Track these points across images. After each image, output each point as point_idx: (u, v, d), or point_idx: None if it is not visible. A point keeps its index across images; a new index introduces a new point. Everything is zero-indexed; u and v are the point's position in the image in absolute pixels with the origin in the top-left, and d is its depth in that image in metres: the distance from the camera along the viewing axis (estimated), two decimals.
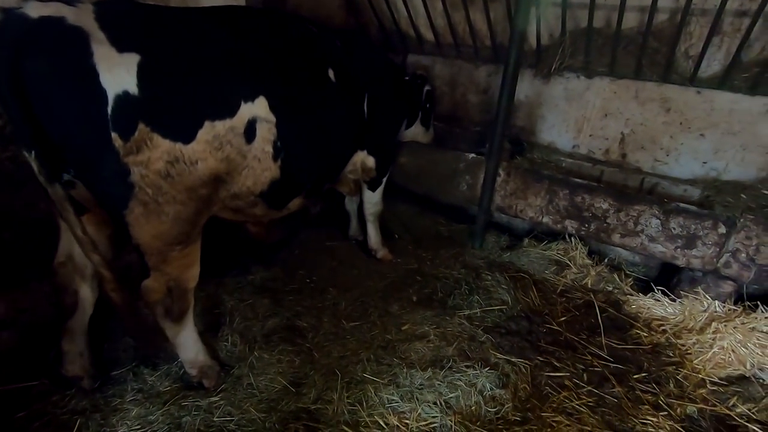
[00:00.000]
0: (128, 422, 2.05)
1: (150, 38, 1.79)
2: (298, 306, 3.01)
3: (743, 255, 2.93)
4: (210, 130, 1.93)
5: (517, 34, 3.16)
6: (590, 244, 3.69)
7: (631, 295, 3.19)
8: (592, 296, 3.08)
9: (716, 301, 2.94)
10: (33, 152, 1.63)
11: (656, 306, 3.06)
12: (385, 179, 3.58)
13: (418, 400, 2.23)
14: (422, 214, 4.53)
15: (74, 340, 2.20)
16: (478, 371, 2.40)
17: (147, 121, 1.74)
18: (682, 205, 3.09)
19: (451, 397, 2.25)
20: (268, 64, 2.24)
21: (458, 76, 4.47)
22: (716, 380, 2.44)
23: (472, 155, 3.98)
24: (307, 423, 2.12)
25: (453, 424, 2.10)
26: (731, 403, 2.27)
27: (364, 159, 3.28)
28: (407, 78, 3.90)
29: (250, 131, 2.11)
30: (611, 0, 3.25)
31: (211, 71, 1.96)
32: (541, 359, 2.58)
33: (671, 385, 2.41)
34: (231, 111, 2.01)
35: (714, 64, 3.25)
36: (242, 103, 2.05)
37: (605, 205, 3.37)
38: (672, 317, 2.95)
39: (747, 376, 2.44)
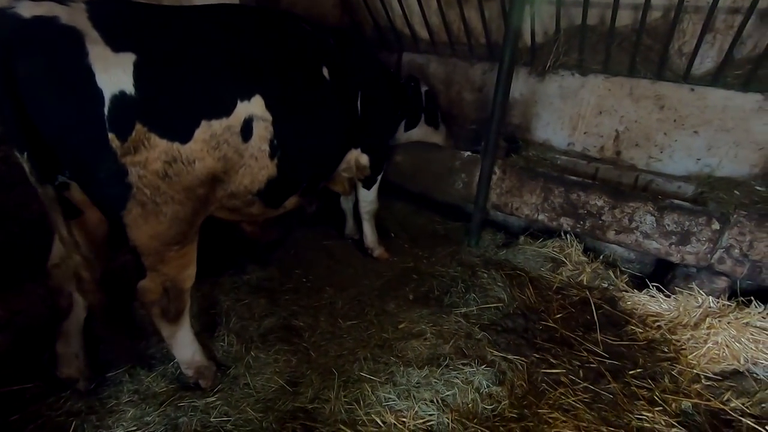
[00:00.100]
0: (124, 423, 2.05)
1: (145, 37, 1.77)
2: (294, 305, 3.01)
3: (737, 251, 2.96)
4: (207, 130, 1.93)
5: (512, 32, 3.16)
6: (585, 241, 3.71)
7: (627, 291, 3.21)
8: (587, 293, 3.09)
9: (710, 297, 2.96)
10: (25, 153, 1.62)
11: (651, 302, 3.08)
12: (379, 177, 3.58)
13: (415, 398, 2.23)
14: (418, 212, 4.53)
15: (69, 342, 2.19)
16: (475, 369, 2.41)
17: (144, 121, 1.73)
18: (676, 201, 3.11)
19: (447, 395, 2.25)
20: (264, 62, 2.23)
21: (453, 75, 4.48)
22: (710, 375, 2.46)
23: (468, 153, 3.99)
24: (305, 422, 2.12)
25: (450, 422, 2.10)
26: (725, 398, 2.28)
27: (357, 157, 3.28)
28: (402, 81, 3.91)
29: (246, 130, 2.10)
30: None
31: (207, 70, 1.95)
32: (538, 356, 2.59)
33: (666, 381, 2.42)
34: (227, 110, 2.01)
35: (707, 61, 3.27)
36: (238, 101, 2.04)
37: (600, 203, 3.38)
38: (667, 313, 2.96)
39: (741, 370, 2.46)
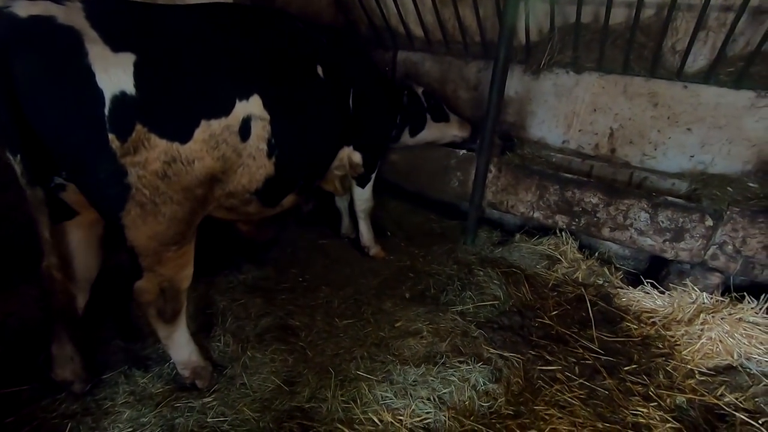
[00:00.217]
0: (120, 425, 2.04)
1: (143, 37, 1.77)
2: (290, 305, 3.00)
3: (730, 247, 2.99)
4: (206, 129, 1.92)
5: (507, 30, 3.17)
6: (581, 238, 3.73)
7: (621, 288, 3.23)
8: (582, 290, 3.11)
9: (704, 293, 2.98)
10: (18, 155, 1.60)
11: (646, 299, 3.10)
12: (373, 175, 3.57)
13: (411, 396, 2.23)
14: (414, 211, 4.53)
15: (64, 343, 2.18)
16: (471, 366, 2.42)
17: (144, 122, 1.72)
18: (670, 198, 3.13)
19: (444, 393, 2.26)
20: (261, 61, 2.23)
21: (448, 73, 4.47)
22: (704, 370, 2.48)
23: (463, 151, 3.99)
24: (301, 421, 2.12)
25: (447, 420, 2.11)
26: (719, 393, 2.30)
27: (350, 155, 3.26)
28: (397, 86, 3.90)
29: (245, 129, 2.10)
30: None
31: (205, 69, 1.94)
32: (534, 353, 2.60)
33: (661, 376, 2.44)
34: (226, 109, 2.01)
35: (700, 58, 3.28)
36: (237, 101, 2.04)
37: (595, 200, 3.40)
38: (661, 309, 2.98)
39: (734, 366, 2.48)
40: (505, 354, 2.56)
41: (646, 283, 3.23)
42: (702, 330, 2.69)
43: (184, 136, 1.85)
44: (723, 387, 2.34)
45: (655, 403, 2.27)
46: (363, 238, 3.80)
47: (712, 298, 2.96)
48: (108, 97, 1.63)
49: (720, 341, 2.61)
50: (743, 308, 2.79)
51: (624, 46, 3.38)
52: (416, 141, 3.99)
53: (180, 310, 2.18)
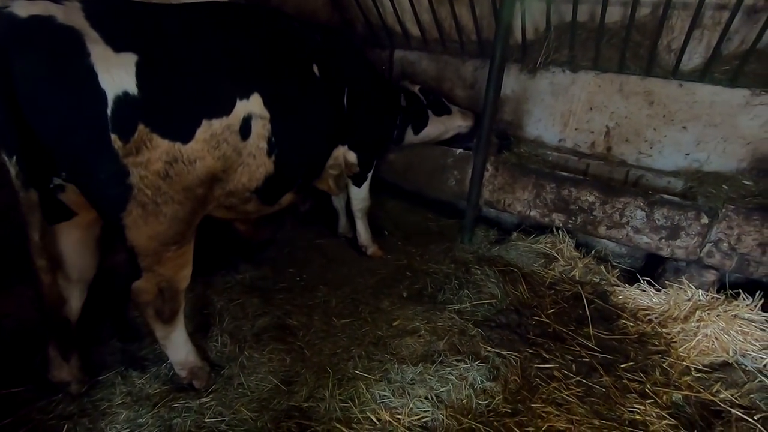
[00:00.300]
0: (117, 426, 2.03)
1: (144, 36, 1.76)
2: (288, 304, 3.00)
3: (725, 244, 3.00)
4: (208, 129, 1.92)
5: (503, 28, 3.17)
6: (577, 236, 3.74)
7: (618, 286, 3.24)
8: (579, 288, 3.12)
9: (700, 290, 3.00)
10: (14, 157, 1.58)
11: (642, 296, 3.12)
12: (369, 174, 3.56)
13: (409, 395, 2.24)
14: (411, 209, 4.54)
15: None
16: (469, 365, 2.42)
17: (146, 122, 1.72)
18: (665, 196, 3.14)
19: (442, 391, 2.26)
20: (260, 60, 2.23)
21: (445, 72, 4.48)
22: (700, 367, 2.49)
23: (460, 150, 4.00)
24: (299, 421, 2.12)
25: (444, 418, 2.12)
26: (715, 390, 2.32)
27: (345, 153, 3.24)
28: (394, 87, 3.89)
29: (245, 128, 2.10)
30: None
31: (206, 69, 1.94)
32: (531, 351, 2.61)
33: (657, 374, 2.45)
34: (227, 109, 2.01)
35: (695, 57, 3.30)
36: (238, 100, 2.04)
37: (591, 198, 3.41)
38: (657, 307, 3.00)
39: (730, 362, 2.50)
40: (502, 352, 2.57)
41: (642, 281, 3.25)
42: (698, 327, 2.70)
43: (186, 136, 1.85)
44: (719, 383, 2.35)
45: (652, 400, 2.28)
46: (360, 237, 3.80)
47: (707, 295, 2.97)
48: (111, 97, 1.62)
49: (716, 338, 2.62)
50: (738, 305, 2.81)
51: (620, 44, 3.39)
52: (421, 138, 3.96)
53: (178, 310, 2.18)
